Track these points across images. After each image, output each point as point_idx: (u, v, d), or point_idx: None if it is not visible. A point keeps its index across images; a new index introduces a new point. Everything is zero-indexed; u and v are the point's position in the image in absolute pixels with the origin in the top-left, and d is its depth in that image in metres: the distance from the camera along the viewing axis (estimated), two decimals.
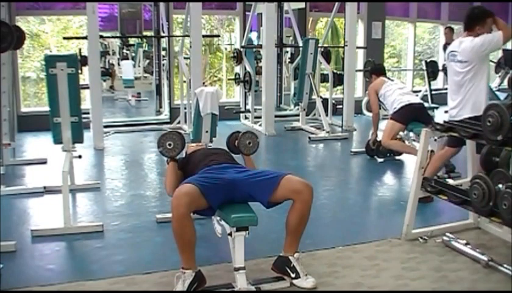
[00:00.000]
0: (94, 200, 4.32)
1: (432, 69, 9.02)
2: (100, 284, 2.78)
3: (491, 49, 3.78)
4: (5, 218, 3.53)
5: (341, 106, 7.72)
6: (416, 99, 5.45)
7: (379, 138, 5.91)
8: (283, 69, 8.95)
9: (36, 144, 6.36)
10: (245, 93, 7.98)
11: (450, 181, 4.03)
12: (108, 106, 8.54)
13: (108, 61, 8.92)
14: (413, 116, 5.22)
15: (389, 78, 5.90)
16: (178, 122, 7.47)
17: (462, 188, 3.08)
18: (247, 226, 2.62)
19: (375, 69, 6.15)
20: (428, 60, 9.58)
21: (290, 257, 2.76)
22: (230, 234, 2.64)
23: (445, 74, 6.34)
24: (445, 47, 9.54)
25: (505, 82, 9.48)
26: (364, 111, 8.84)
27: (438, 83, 10.29)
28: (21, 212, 4.03)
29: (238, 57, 7.79)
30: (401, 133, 5.55)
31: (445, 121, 3.27)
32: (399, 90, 5.45)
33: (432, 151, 4.19)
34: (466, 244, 3.14)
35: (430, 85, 8.88)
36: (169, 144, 3.10)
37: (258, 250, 3.07)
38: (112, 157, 5.87)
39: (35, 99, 9.45)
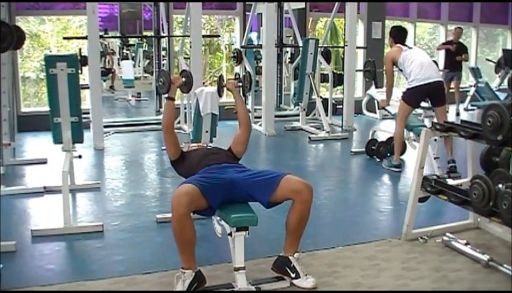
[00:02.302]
0: (94, 200, 4.32)
1: None
2: (100, 284, 2.78)
3: None
4: (5, 218, 3.53)
5: (341, 106, 7.72)
6: (434, 76, 5.00)
7: (380, 138, 5.92)
8: (283, 69, 8.96)
9: (36, 144, 6.36)
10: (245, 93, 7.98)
11: (450, 181, 4.03)
12: (108, 106, 8.55)
13: (108, 62, 8.94)
14: (425, 96, 5.11)
15: (407, 45, 5.28)
16: (178, 122, 7.46)
17: (462, 188, 3.08)
18: (247, 226, 2.62)
19: (396, 33, 5.41)
20: None
21: (290, 257, 2.76)
22: (230, 234, 2.64)
23: None
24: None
25: (505, 82, 9.48)
26: (364, 111, 8.85)
27: None
28: (21, 212, 4.03)
29: (238, 57, 7.79)
30: None
31: (445, 121, 3.27)
32: (418, 61, 5.01)
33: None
34: (466, 244, 3.14)
35: None
36: (161, 81, 3.29)
37: (258, 250, 3.07)
38: (112, 157, 5.87)
39: (35, 99, 9.46)
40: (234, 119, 3.38)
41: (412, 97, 5.07)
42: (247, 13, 8.36)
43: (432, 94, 5.05)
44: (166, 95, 3.33)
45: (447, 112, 5.26)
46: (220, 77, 3.67)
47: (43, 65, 3.89)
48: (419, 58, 5.03)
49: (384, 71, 5.56)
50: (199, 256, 2.69)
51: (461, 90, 10.58)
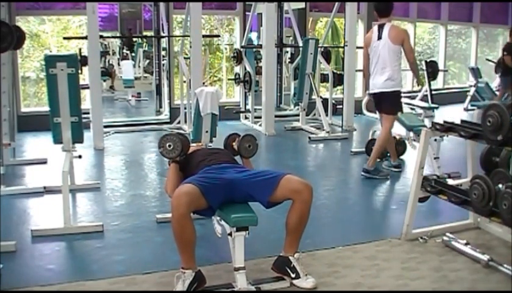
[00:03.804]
0: (94, 200, 4.32)
1: (432, 69, 9.01)
2: (100, 284, 2.78)
3: None
4: (5, 218, 3.53)
5: (341, 106, 7.72)
6: (377, 86, 4.89)
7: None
8: (283, 69, 8.95)
9: (36, 144, 6.36)
10: (245, 93, 7.98)
11: (450, 181, 4.03)
12: (108, 106, 8.54)
13: (108, 62, 8.93)
14: (379, 103, 5.04)
15: (382, 28, 4.86)
16: (178, 122, 7.48)
17: (462, 188, 3.08)
18: (247, 226, 2.62)
19: (376, 7, 5.01)
20: (428, 60, 9.57)
21: (290, 257, 2.77)
22: (230, 234, 2.64)
23: None
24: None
25: None
26: (364, 111, 8.84)
27: (438, 83, 10.28)
28: (21, 212, 4.03)
29: (238, 57, 7.79)
30: (402, 133, 5.54)
31: (445, 121, 3.27)
32: (372, 66, 4.92)
33: None
34: (466, 244, 3.15)
35: (430, 85, 8.88)
36: (169, 146, 3.09)
37: (258, 250, 3.07)
38: (112, 157, 5.87)
39: (35, 99, 9.46)
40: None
41: (373, 101, 5.12)
42: (247, 13, 8.36)
43: (377, 102, 5.05)
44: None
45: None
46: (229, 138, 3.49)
47: (43, 65, 3.89)
48: (373, 63, 4.91)
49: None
50: (199, 256, 2.70)
51: (461, 90, 10.61)
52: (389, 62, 4.80)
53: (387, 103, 4.93)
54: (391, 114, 4.94)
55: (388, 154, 5.67)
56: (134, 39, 8.99)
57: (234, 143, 3.38)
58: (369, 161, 4.97)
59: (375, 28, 4.96)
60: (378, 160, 5.57)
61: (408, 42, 4.84)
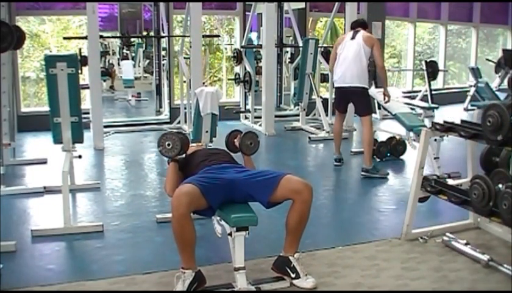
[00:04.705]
0: (94, 200, 4.32)
1: (432, 69, 9.02)
2: (100, 284, 2.79)
3: None
4: (5, 218, 3.53)
5: None
6: (347, 81, 4.97)
7: (380, 138, 5.92)
8: (283, 69, 8.96)
9: (36, 144, 6.36)
10: (245, 93, 7.98)
11: (450, 181, 4.04)
12: (108, 106, 8.55)
13: (108, 62, 8.92)
14: (342, 101, 5.15)
15: (357, 32, 5.04)
16: (178, 123, 7.48)
17: (462, 188, 3.08)
18: (247, 226, 2.62)
19: (356, 22, 5.28)
20: (428, 60, 9.58)
21: (290, 257, 2.77)
22: (230, 234, 2.64)
23: None
24: None
25: (505, 82, 9.47)
26: None
27: (438, 83, 10.27)
28: (21, 212, 4.03)
29: (238, 57, 7.79)
30: (402, 133, 5.53)
31: (445, 121, 3.27)
32: (341, 59, 5.01)
33: None
34: (466, 244, 3.15)
35: (430, 85, 8.89)
36: (168, 144, 3.08)
37: (258, 250, 3.07)
38: (112, 157, 5.87)
39: (35, 99, 9.46)
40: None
41: (335, 99, 5.20)
42: (247, 13, 8.36)
43: (350, 100, 5.11)
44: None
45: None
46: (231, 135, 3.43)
47: (43, 65, 3.89)
48: (343, 57, 5.00)
49: None
50: (199, 256, 2.70)
51: (461, 90, 10.61)
52: (359, 59, 4.95)
53: (359, 102, 5.08)
54: (367, 114, 5.06)
55: (388, 154, 5.69)
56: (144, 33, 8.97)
57: (235, 140, 3.38)
58: (365, 161, 5.00)
59: (351, 32, 5.16)
60: (378, 160, 5.58)
61: (378, 48, 5.00)
